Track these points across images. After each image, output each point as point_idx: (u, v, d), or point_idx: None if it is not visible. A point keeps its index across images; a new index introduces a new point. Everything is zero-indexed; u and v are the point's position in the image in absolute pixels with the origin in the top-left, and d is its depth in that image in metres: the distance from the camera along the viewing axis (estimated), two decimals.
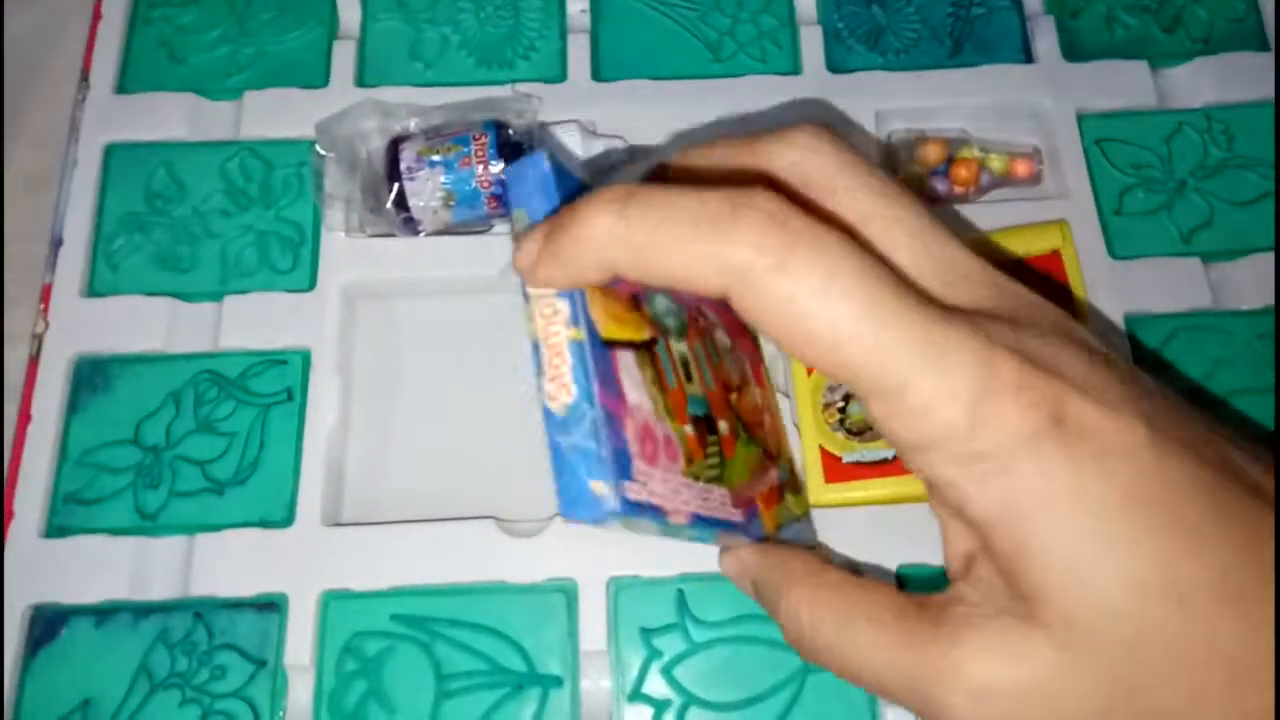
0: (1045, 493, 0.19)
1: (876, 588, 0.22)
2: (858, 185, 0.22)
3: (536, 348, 0.22)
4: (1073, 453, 0.19)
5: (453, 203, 0.37)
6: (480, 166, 0.37)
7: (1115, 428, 0.19)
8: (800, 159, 0.23)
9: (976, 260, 0.22)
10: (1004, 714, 0.19)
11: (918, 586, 0.33)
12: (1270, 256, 0.38)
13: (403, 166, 0.37)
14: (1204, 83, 0.41)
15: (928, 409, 0.19)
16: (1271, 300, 0.37)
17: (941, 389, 0.19)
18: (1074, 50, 0.42)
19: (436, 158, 0.37)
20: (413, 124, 0.39)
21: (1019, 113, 0.41)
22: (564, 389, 0.21)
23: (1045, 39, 0.42)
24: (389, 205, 0.37)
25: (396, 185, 0.37)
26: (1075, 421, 0.19)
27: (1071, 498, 0.19)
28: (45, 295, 0.38)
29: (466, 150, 0.37)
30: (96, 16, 0.43)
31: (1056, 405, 0.19)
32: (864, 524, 0.34)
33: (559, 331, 0.21)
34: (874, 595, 0.22)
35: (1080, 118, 0.40)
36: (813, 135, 0.23)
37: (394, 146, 0.38)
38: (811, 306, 0.19)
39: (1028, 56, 0.42)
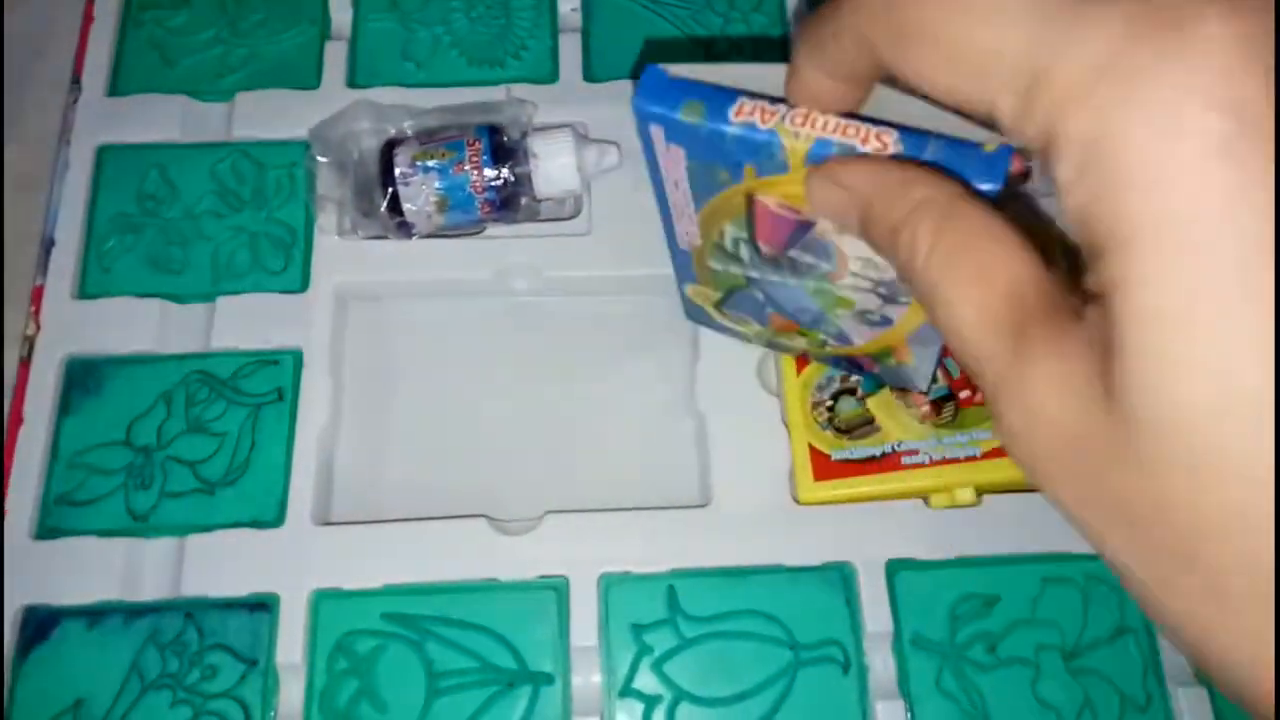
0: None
1: (1007, 250, 0.18)
2: None
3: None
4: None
5: (446, 207, 0.37)
6: (474, 172, 0.37)
7: None
8: None
9: None
10: (1043, 452, 0.17)
11: (910, 583, 0.33)
12: None
13: (397, 171, 0.37)
14: None
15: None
16: None
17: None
18: None
19: (431, 163, 0.37)
20: (406, 126, 0.39)
21: None
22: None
23: None
24: (383, 209, 0.37)
25: (390, 190, 0.37)
26: None
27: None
28: (36, 297, 0.38)
29: (460, 156, 0.37)
30: (88, 19, 0.43)
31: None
32: (852, 520, 0.34)
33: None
34: (997, 259, 0.18)
35: None
36: None
37: (388, 150, 0.38)
38: None
39: None
